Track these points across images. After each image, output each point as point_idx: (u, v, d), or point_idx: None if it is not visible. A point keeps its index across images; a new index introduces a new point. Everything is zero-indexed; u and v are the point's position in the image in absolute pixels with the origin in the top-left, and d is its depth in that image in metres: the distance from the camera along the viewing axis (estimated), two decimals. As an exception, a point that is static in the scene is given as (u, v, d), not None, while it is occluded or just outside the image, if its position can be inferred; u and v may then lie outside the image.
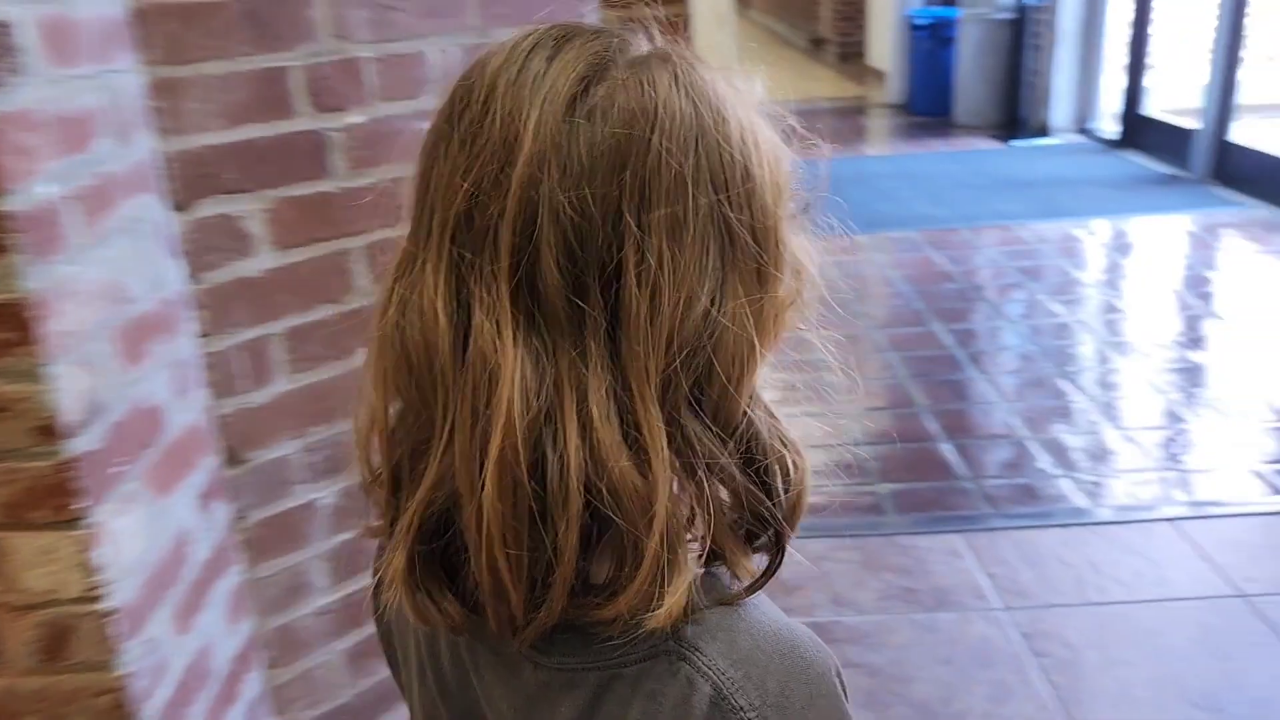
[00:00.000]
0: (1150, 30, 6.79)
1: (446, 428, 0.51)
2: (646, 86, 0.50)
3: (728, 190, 0.51)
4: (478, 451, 0.50)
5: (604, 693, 0.54)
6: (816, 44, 12.67)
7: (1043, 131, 7.41)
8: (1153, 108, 6.87)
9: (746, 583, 0.55)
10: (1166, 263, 5.03)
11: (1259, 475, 3.00)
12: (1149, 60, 6.87)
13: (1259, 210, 5.52)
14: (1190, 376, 3.71)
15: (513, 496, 0.49)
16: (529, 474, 0.49)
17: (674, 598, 0.50)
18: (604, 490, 0.49)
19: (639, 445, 0.49)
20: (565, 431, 0.49)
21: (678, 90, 0.51)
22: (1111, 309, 4.46)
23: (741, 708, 0.51)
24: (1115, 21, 7.10)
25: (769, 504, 0.54)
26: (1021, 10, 7.41)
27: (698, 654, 0.52)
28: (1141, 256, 5.19)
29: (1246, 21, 5.85)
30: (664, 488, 0.49)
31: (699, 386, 0.52)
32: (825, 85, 10.35)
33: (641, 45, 0.54)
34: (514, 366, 0.49)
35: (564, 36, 0.52)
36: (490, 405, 0.49)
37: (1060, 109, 7.46)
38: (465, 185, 0.50)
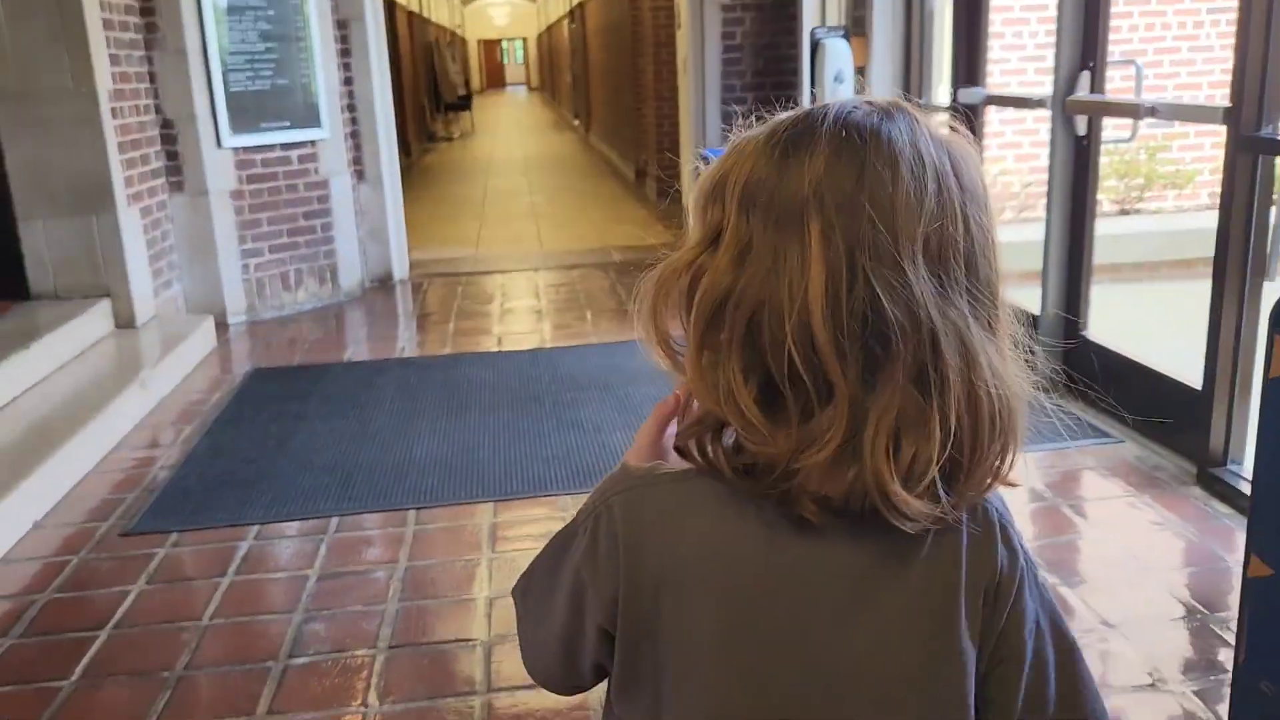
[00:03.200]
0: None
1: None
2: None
3: None
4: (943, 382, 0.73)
5: (942, 535, 0.78)
6: (640, 176, 10.79)
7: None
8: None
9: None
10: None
11: None
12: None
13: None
14: None
15: (975, 413, 0.75)
16: (969, 404, 0.74)
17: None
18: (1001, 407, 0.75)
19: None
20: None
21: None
22: None
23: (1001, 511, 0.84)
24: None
25: None
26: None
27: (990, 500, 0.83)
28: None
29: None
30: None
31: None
32: (628, 229, 8.42)
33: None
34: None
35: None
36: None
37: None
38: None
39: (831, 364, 0.70)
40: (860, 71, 5.17)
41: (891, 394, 0.71)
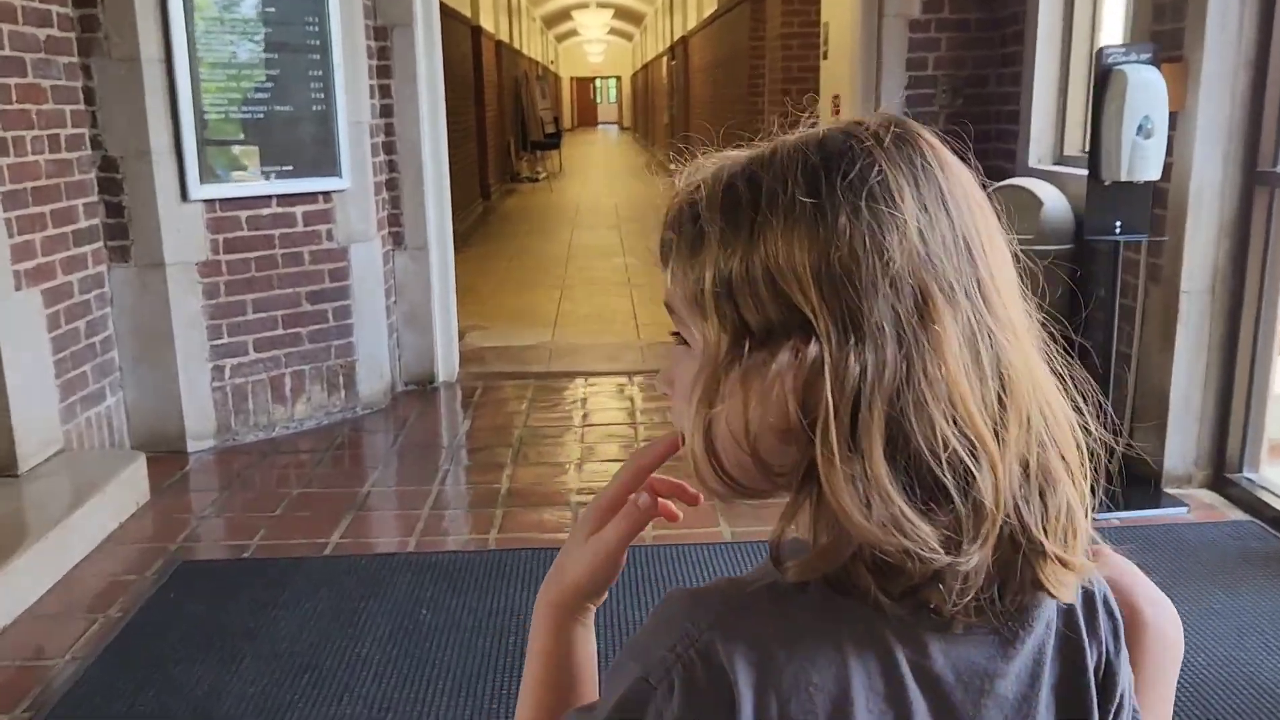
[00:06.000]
0: None
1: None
2: None
3: None
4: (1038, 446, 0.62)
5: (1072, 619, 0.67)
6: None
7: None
8: None
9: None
10: None
11: None
12: None
13: None
14: None
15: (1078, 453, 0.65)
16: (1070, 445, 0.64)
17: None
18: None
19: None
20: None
21: None
22: None
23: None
24: None
25: None
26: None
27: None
28: None
29: None
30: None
31: None
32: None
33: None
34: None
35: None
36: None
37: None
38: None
39: (983, 436, 0.59)
40: (1173, 120, 3.20)
41: (1023, 448, 0.61)
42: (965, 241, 0.60)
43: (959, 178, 0.62)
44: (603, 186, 17.47)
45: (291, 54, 4.07)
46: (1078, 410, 0.65)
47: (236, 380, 4.11)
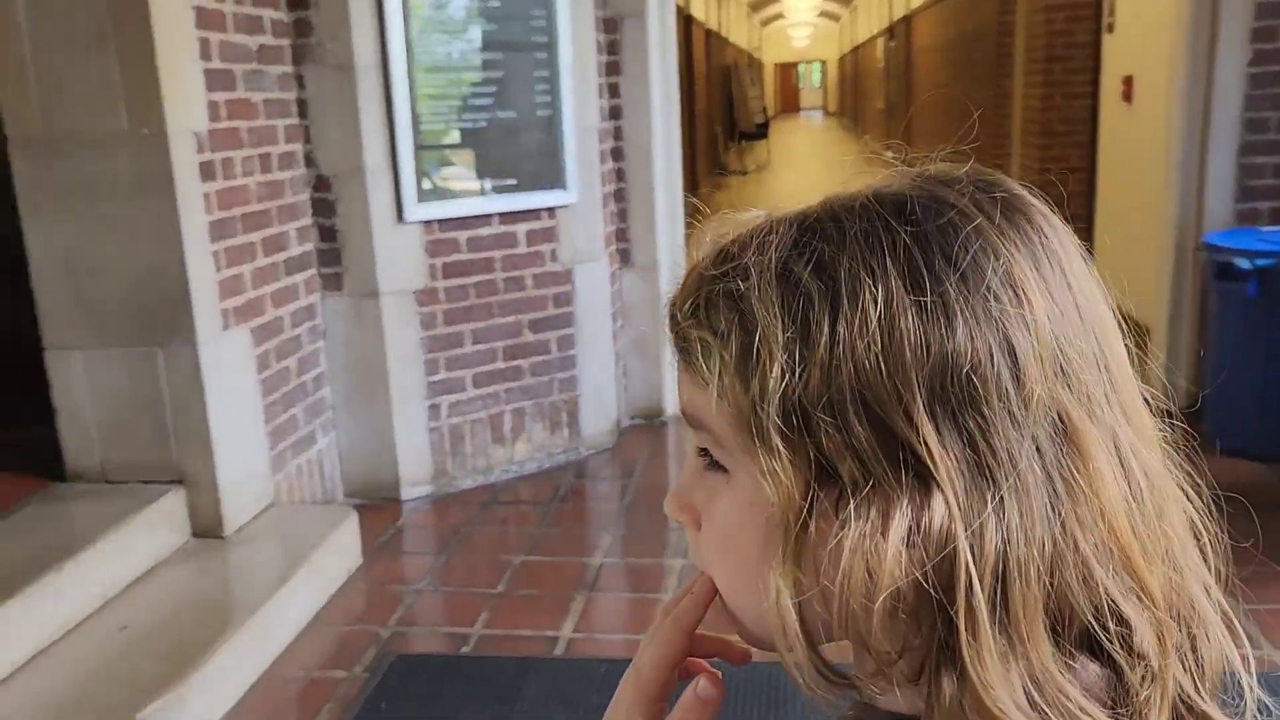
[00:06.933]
0: None
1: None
2: None
3: None
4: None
5: None
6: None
7: None
8: None
9: None
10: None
11: None
12: None
13: None
14: None
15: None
16: None
17: None
18: None
19: None
20: None
21: None
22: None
23: None
24: None
25: None
26: None
27: None
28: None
29: None
30: None
31: None
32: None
33: None
34: None
35: None
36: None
37: None
38: None
39: (1148, 586, 0.48)
40: None
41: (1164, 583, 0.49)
42: (1095, 334, 0.49)
43: (1071, 249, 0.50)
44: (815, 178, 16.65)
45: (515, 53, 3.60)
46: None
47: (454, 420, 3.69)
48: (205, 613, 2.63)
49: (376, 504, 3.50)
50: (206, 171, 2.84)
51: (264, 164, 3.15)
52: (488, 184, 3.60)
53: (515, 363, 3.80)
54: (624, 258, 4.29)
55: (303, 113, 3.33)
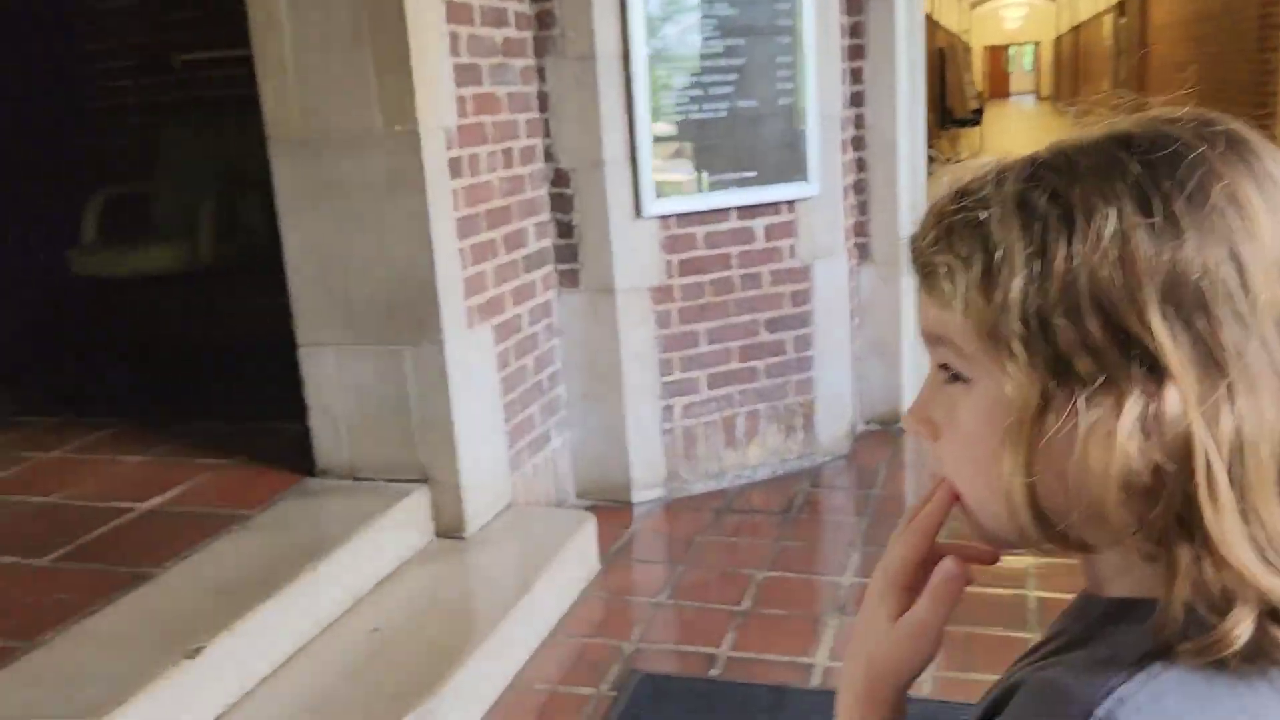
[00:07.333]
0: None
1: None
2: None
3: None
4: None
5: None
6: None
7: None
8: None
9: None
10: None
11: None
12: None
13: None
14: None
15: None
16: None
17: None
18: None
19: None
20: None
21: None
22: None
23: None
24: None
25: None
26: None
27: None
28: None
29: None
30: None
31: None
32: None
33: None
34: None
35: None
36: None
37: None
38: None
39: None
40: None
41: None
42: None
43: None
44: (1034, 165, 15.66)
45: (758, 38, 3.42)
46: None
47: (687, 421, 3.56)
48: (451, 617, 2.59)
49: (607, 506, 3.41)
50: (455, 168, 2.80)
51: (506, 159, 3.10)
52: (728, 176, 3.43)
53: (750, 363, 3.63)
54: (862, 253, 4.04)
55: (543, 106, 3.27)
